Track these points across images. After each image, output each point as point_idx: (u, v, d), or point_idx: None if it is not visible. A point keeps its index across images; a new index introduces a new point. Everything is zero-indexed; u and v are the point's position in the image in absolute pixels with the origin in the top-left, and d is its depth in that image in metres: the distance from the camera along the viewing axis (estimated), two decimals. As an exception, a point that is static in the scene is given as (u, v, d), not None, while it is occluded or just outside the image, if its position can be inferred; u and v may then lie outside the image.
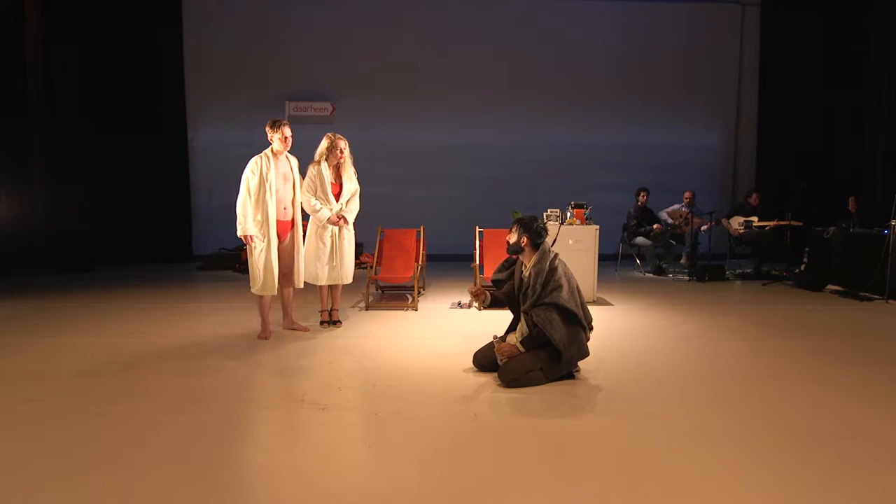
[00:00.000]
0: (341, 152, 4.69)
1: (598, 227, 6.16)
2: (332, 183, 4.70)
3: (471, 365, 3.78)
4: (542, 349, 3.44)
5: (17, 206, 8.26)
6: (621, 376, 3.64)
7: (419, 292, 5.95)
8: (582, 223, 6.26)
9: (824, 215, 7.65)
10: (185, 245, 9.81)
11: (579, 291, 3.57)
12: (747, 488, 2.25)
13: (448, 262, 8.81)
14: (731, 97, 10.25)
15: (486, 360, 3.68)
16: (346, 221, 4.75)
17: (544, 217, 6.17)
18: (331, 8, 9.80)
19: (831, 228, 7.22)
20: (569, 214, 6.35)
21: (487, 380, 3.54)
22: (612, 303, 6.10)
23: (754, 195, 8.29)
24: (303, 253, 4.67)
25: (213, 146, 9.85)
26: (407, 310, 5.75)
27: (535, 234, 3.57)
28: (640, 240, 8.44)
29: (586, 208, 6.38)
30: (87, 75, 9.11)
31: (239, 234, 4.35)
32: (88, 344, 4.43)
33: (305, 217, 4.72)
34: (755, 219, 8.03)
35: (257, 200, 4.35)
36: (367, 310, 5.73)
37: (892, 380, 3.60)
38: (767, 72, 10.05)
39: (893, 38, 8.65)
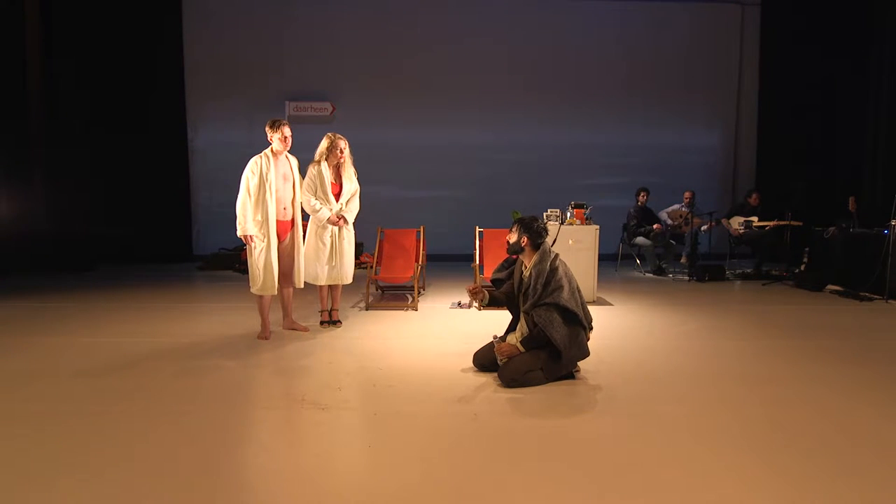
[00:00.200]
0: (341, 152, 4.69)
1: (598, 227, 6.16)
2: (332, 183, 4.70)
3: (471, 365, 3.78)
4: (543, 349, 3.44)
5: (16, 206, 8.26)
6: (621, 376, 3.64)
7: (419, 292, 5.95)
8: (582, 223, 6.26)
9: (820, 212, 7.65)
10: (185, 245, 9.81)
11: (579, 291, 3.57)
12: (747, 488, 2.25)
13: (448, 262, 8.81)
14: (731, 97, 10.25)
15: (486, 360, 3.68)
16: (345, 221, 4.75)
17: (544, 217, 6.17)
18: (331, 8, 9.80)
19: (831, 228, 7.22)
20: (569, 214, 6.35)
21: (487, 380, 3.54)
22: (612, 303, 6.10)
23: (754, 195, 8.29)
24: (303, 253, 4.67)
25: (213, 146, 9.84)
26: (407, 310, 5.75)
27: (536, 234, 3.57)
28: (640, 240, 8.44)
29: (586, 208, 6.38)
30: (86, 75, 9.10)
31: (239, 233, 4.35)
32: (88, 344, 4.43)
33: (305, 217, 4.72)
34: (755, 219, 8.03)
35: (257, 200, 4.34)
36: (367, 310, 5.73)
37: (893, 379, 3.60)
38: (767, 72, 10.05)
39: (893, 38, 8.65)
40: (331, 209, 4.67)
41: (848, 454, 2.55)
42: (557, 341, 3.35)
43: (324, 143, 4.71)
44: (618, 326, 5.05)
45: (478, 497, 2.21)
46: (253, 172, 4.34)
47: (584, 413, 3.08)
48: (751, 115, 10.25)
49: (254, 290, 4.44)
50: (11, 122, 8.18)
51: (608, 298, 6.31)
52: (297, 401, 3.19)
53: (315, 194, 4.65)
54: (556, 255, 3.59)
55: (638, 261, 8.74)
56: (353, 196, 4.81)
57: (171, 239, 9.65)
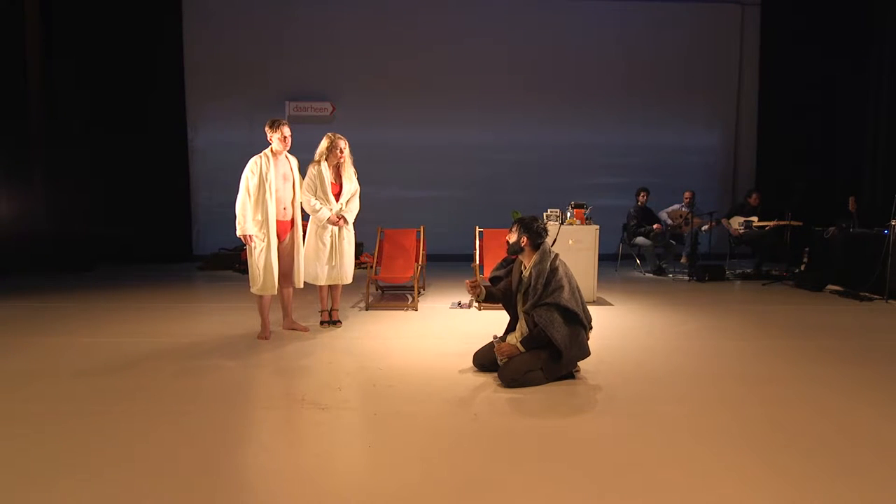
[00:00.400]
0: (341, 152, 4.69)
1: (598, 227, 6.16)
2: (332, 183, 4.70)
3: (471, 365, 3.78)
4: (543, 349, 3.44)
5: (16, 206, 8.26)
6: (621, 376, 3.64)
7: (419, 292, 5.95)
8: (582, 223, 6.26)
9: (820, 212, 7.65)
10: (185, 245, 9.81)
11: (579, 291, 3.57)
12: (747, 488, 2.25)
13: (448, 262, 8.81)
14: (731, 97, 10.25)
15: (486, 360, 3.68)
16: (345, 221, 4.75)
17: (544, 217, 6.17)
18: (331, 8, 9.80)
19: (831, 228, 7.22)
20: (569, 214, 6.35)
21: (487, 380, 3.54)
22: (612, 303, 6.10)
23: (754, 195, 8.29)
24: (303, 253, 4.67)
25: (213, 146, 9.84)
26: (407, 310, 5.75)
27: (536, 234, 3.57)
28: (640, 240, 8.44)
29: (586, 208, 6.38)
30: (86, 75, 9.10)
31: (238, 233, 4.35)
32: (88, 344, 4.43)
33: (305, 217, 4.72)
34: (755, 219, 8.03)
35: (257, 200, 4.34)
36: (367, 310, 5.73)
37: (893, 379, 3.60)
38: (767, 72, 10.05)
39: (894, 38, 8.65)
40: (331, 209, 4.66)
41: (848, 454, 2.55)
42: (558, 341, 3.35)
43: (324, 143, 4.71)
44: (618, 326, 5.05)
45: (478, 497, 2.21)
46: (253, 172, 4.34)
47: (584, 413, 3.08)
48: (751, 115, 10.25)
49: (254, 290, 4.44)
50: (11, 122, 8.18)
51: (608, 298, 6.31)
52: (297, 401, 3.19)
53: (315, 194, 4.65)
54: (556, 255, 3.59)
55: (638, 261, 8.74)
56: (353, 196, 4.81)
57: (171, 239, 9.65)
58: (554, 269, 3.49)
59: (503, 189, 9.76)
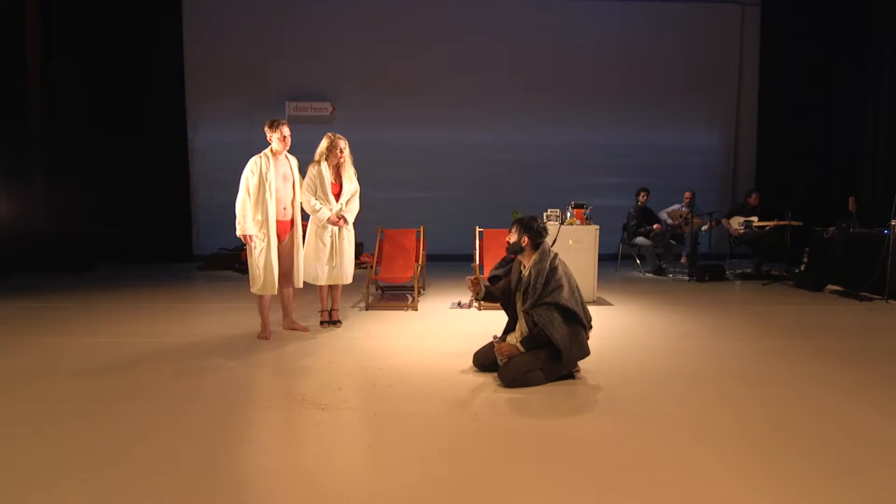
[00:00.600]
0: (341, 152, 4.69)
1: (598, 227, 6.16)
2: (332, 183, 4.70)
3: (471, 365, 3.78)
4: (543, 349, 3.44)
5: (16, 206, 8.26)
6: (621, 376, 3.64)
7: (419, 292, 5.95)
8: (582, 223, 6.26)
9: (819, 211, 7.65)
10: (185, 245, 9.81)
11: (579, 291, 3.57)
12: (747, 488, 2.25)
13: (448, 262, 8.81)
14: (731, 97, 10.25)
15: (486, 360, 3.68)
16: (345, 221, 4.75)
17: (544, 217, 6.17)
18: (331, 8, 9.80)
19: (831, 228, 7.22)
20: (569, 214, 6.35)
21: (487, 380, 3.54)
22: (612, 303, 6.10)
23: (754, 195, 8.29)
24: (302, 253, 4.67)
25: (212, 146, 9.84)
26: (407, 310, 5.74)
27: (536, 233, 3.57)
28: (640, 240, 8.44)
29: (586, 208, 6.38)
30: (86, 75, 9.10)
31: (238, 233, 4.35)
32: (88, 344, 4.43)
33: (305, 217, 4.72)
34: (755, 219, 8.03)
35: (257, 200, 4.34)
36: (367, 310, 5.73)
37: (893, 379, 3.60)
38: (767, 72, 10.04)
39: (894, 38, 8.65)
40: (331, 209, 4.66)
41: (848, 454, 2.55)
42: (558, 341, 3.36)
43: (324, 143, 4.71)
44: (618, 326, 5.05)
45: (478, 497, 2.21)
46: (252, 172, 4.34)
47: (584, 413, 3.08)
48: (751, 115, 10.25)
49: (254, 289, 4.44)
50: (11, 122, 8.18)
51: (608, 298, 6.31)
52: (297, 401, 3.19)
53: (315, 194, 4.65)
54: (556, 255, 3.59)
55: (638, 261, 8.74)
56: (353, 196, 4.80)
57: (171, 239, 9.64)
58: (553, 269, 3.49)
59: (503, 189, 9.76)
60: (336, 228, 4.73)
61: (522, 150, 10.05)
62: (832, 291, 6.73)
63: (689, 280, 7.68)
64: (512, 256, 3.78)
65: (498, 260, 4.07)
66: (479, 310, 5.67)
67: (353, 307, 5.85)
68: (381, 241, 6.41)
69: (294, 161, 4.61)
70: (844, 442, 2.68)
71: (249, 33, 9.80)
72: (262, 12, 9.79)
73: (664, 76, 10.07)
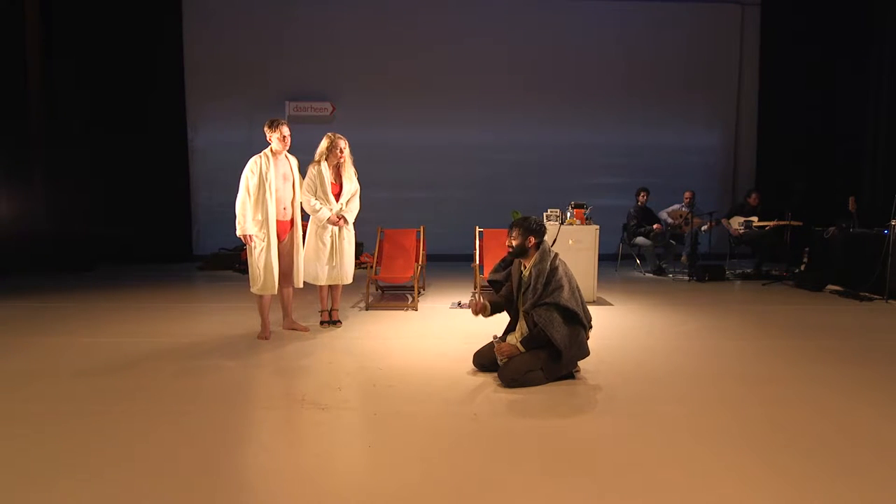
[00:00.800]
0: (341, 152, 4.69)
1: (598, 227, 6.16)
2: (332, 183, 4.70)
3: (471, 365, 3.78)
4: (543, 349, 3.44)
5: (16, 206, 8.26)
6: (621, 376, 3.64)
7: (419, 292, 5.95)
8: (582, 223, 6.26)
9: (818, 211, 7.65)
10: (185, 245, 9.81)
11: (579, 291, 3.57)
12: (747, 488, 2.25)
13: (448, 262, 8.81)
14: (731, 97, 10.25)
15: (486, 360, 3.68)
16: (345, 221, 4.75)
17: (544, 217, 6.17)
18: (331, 8, 9.80)
19: (831, 228, 7.22)
20: (569, 214, 6.34)
21: (487, 380, 3.54)
22: (612, 303, 6.10)
23: (754, 195, 8.29)
24: (302, 253, 4.67)
25: (212, 146, 9.84)
26: (407, 310, 5.74)
27: (538, 232, 3.57)
28: (640, 240, 8.44)
29: (586, 208, 6.38)
30: (86, 75, 9.10)
31: (238, 233, 4.35)
32: (88, 344, 4.43)
33: (305, 217, 4.72)
34: (755, 219, 8.03)
35: (257, 200, 4.34)
36: (367, 310, 5.73)
37: (893, 379, 3.60)
38: (767, 72, 10.04)
39: (894, 38, 8.65)
40: (331, 209, 4.66)
41: (848, 454, 2.55)
42: (558, 341, 3.35)
43: (324, 143, 4.71)
44: (618, 326, 5.05)
45: (478, 497, 2.21)
46: (252, 172, 4.34)
47: (584, 413, 3.08)
48: (751, 115, 10.25)
49: (254, 289, 4.44)
50: (11, 122, 8.18)
51: (608, 298, 6.31)
52: (297, 401, 3.19)
53: (315, 194, 4.65)
54: (556, 255, 3.59)
55: (638, 261, 8.74)
56: (353, 196, 4.80)
57: (171, 239, 9.64)
58: (554, 269, 3.49)
59: (503, 189, 9.77)
60: (336, 228, 4.73)
61: (522, 150, 10.05)
62: (832, 291, 6.73)
63: (689, 280, 7.68)
64: (510, 257, 3.77)
65: (497, 260, 4.07)
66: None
67: (353, 307, 5.85)
68: (381, 241, 6.41)
69: (294, 161, 4.60)
70: (844, 442, 2.68)
71: (249, 33, 9.80)
72: (262, 12, 9.79)
73: (664, 76, 10.07)
